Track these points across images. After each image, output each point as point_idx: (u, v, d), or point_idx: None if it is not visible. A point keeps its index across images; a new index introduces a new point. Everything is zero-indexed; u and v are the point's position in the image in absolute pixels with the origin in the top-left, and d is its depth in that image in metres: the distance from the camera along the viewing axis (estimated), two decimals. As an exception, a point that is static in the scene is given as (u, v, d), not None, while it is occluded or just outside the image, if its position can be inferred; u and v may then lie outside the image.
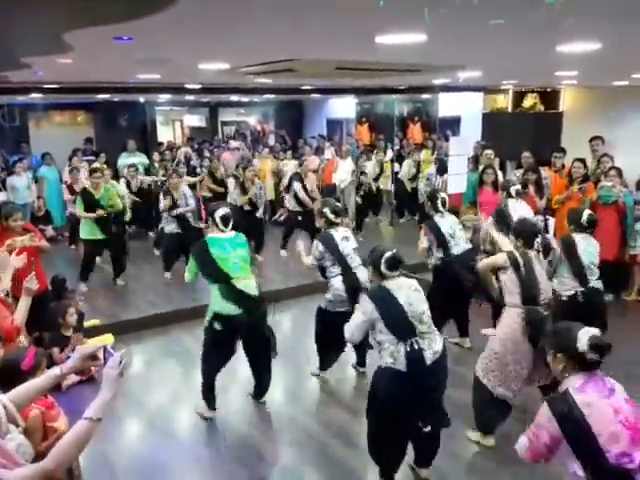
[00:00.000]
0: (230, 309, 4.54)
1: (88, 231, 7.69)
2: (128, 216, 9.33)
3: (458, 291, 5.78)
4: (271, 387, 5.13)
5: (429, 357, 3.57)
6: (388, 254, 3.66)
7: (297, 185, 9.27)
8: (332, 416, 4.89)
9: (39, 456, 2.50)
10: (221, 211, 4.69)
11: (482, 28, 3.18)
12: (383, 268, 3.66)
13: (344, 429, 4.66)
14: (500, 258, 4.42)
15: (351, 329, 3.77)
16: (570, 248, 5.14)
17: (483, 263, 4.70)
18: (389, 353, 3.58)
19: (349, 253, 5.18)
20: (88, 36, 3.04)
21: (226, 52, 4.39)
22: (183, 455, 4.42)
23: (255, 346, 4.83)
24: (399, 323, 3.58)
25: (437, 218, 5.88)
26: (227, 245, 4.64)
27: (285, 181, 10.48)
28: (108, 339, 6.24)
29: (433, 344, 3.62)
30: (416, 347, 3.54)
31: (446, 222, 5.86)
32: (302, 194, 9.24)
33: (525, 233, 4.46)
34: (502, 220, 6.25)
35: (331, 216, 5.23)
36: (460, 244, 5.85)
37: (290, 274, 8.58)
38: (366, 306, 3.66)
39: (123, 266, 8.17)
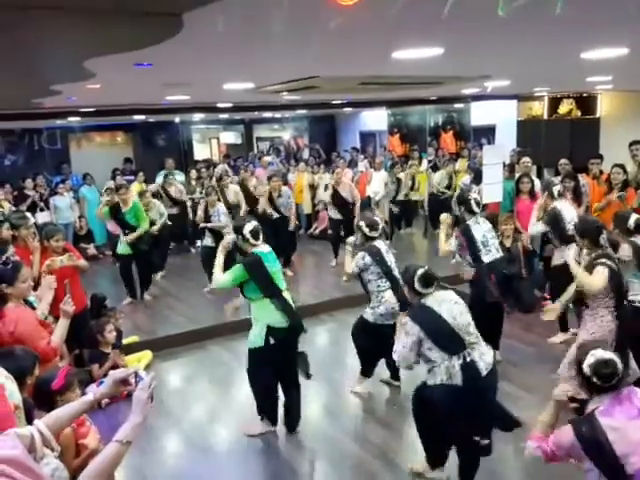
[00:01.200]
0: (282, 322, 4.58)
1: (122, 247, 8.10)
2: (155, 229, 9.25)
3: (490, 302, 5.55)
4: (307, 404, 5.13)
5: (483, 367, 3.55)
6: (420, 271, 3.64)
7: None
8: (369, 433, 4.83)
9: (72, 476, 2.54)
10: (249, 226, 4.63)
11: (500, 38, 3.16)
12: (418, 286, 3.63)
13: (381, 446, 4.59)
14: (598, 282, 4.21)
15: (402, 354, 3.66)
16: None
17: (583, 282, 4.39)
18: (444, 370, 3.54)
19: (393, 266, 5.13)
20: (108, 63, 3.13)
21: (247, 72, 4.45)
22: (220, 472, 4.45)
23: (291, 363, 4.81)
24: (448, 338, 3.54)
25: (472, 223, 5.57)
26: (272, 259, 4.69)
27: (321, 193, 10.67)
28: (147, 356, 6.34)
29: (484, 355, 3.61)
30: (469, 360, 3.52)
31: (480, 229, 5.57)
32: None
33: (589, 232, 4.38)
34: (556, 225, 6.10)
35: (366, 229, 5.17)
36: (492, 252, 5.55)
37: (324, 288, 8.58)
38: (411, 328, 3.59)
39: (148, 282, 8.44)
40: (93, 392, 2.46)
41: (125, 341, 6.36)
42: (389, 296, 5.06)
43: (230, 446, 4.83)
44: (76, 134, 13.48)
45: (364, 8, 2.22)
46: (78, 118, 9.16)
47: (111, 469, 2.14)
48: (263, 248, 4.69)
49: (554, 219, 6.13)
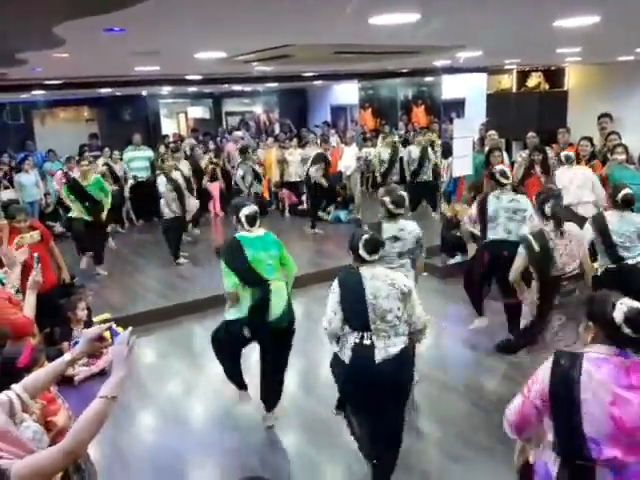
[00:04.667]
0: (259, 315, 4.30)
1: (75, 211, 8.06)
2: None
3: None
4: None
5: (379, 355, 3.37)
6: (366, 237, 3.45)
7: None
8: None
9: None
10: (246, 210, 4.33)
11: (477, 5, 3.14)
12: (362, 252, 3.43)
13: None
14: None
15: (328, 317, 3.51)
16: (599, 225, 4.91)
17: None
18: (342, 340, 3.48)
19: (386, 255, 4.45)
20: (79, 28, 3.03)
21: (221, 40, 4.37)
22: (195, 444, 4.46)
23: (275, 351, 4.57)
24: (354, 312, 3.42)
25: (491, 196, 5.43)
26: (258, 244, 4.34)
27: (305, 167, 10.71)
28: (105, 317, 6.27)
29: (390, 348, 3.40)
30: (366, 342, 3.39)
31: (497, 203, 5.37)
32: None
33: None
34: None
35: (391, 206, 4.55)
36: (498, 230, 5.38)
37: (298, 262, 8.56)
38: (334, 288, 3.49)
39: (101, 257, 8.34)
40: (70, 352, 2.43)
41: (96, 319, 6.28)
42: None
43: (205, 418, 4.86)
44: (40, 109, 13.13)
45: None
46: (43, 92, 8.89)
47: (98, 425, 2.12)
48: (249, 233, 4.36)
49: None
